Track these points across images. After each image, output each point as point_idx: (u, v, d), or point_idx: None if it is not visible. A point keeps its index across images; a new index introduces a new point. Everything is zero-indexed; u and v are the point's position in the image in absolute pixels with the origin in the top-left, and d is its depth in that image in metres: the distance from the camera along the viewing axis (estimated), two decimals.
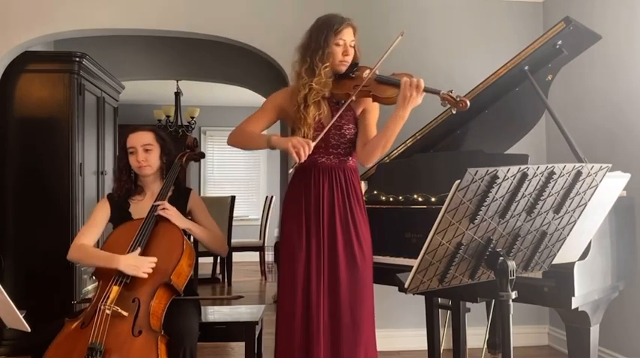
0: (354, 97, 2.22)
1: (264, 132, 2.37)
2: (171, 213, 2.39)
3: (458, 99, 2.08)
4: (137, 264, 2.22)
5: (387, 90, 2.22)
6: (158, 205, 2.38)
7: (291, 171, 2.26)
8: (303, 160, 2.13)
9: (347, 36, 2.26)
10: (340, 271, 2.23)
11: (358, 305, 2.23)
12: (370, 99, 2.28)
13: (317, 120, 2.26)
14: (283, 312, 2.29)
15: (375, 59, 2.27)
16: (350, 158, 2.35)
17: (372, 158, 2.30)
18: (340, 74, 2.30)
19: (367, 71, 2.25)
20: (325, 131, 2.21)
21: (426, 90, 2.13)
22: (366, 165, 2.37)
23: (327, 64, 2.24)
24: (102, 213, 2.51)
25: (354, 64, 2.31)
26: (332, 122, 2.22)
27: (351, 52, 2.29)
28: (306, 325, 2.22)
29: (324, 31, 2.25)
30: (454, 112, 2.14)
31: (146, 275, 2.21)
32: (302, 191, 2.29)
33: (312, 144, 2.14)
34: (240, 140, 2.35)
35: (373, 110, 2.36)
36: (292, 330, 2.23)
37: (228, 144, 2.37)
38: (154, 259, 2.25)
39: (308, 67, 2.26)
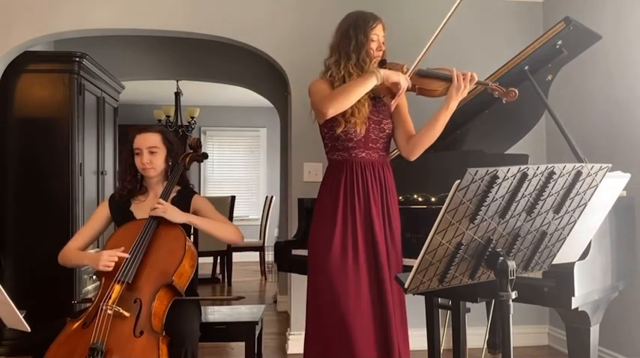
0: (408, 86, 2.25)
1: None
2: (164, 208, 2.35)
3: (507, 89, 2.20)
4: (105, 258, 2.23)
5: (432, 83, 2.28)
6: (154, 208, 2.36)
7: (394, 102, 2.27)
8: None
9: (379, 31, 2.30)
10: (383, 272, 2.19)
11: (401, 307, 2.25)
12: (408, 93, 2.33)
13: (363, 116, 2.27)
14: (329, 322, 2.15)
15: (426, 49, 2.33)
16: (386, 153, 2.36)
17: (419, 151, 2.33)
18: None
19: (404, 67, 2.30)
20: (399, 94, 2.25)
21: (477, 82, 2.23)
22: (412, 159, 2.35)
23: (374, 59, 2.28)
24: (98, 217, 2.53)
25: (383, 60, 2.34)
26: (394, 106, 2.30)
27: (383, 48, 2.32)
28: (365, 326, 2.14)
29: (361, 26, 2.27)
30: (504, 102, 2.25)
31: (109, 269, 2.21)
32: (341, 188, 2.24)
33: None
34: (343, 98, 2.16)
35: (405, 103, 2.40)
36: (348, 336, 2.12)
37: (330, 114, 2.16)
38: (116, 252, 2.24)
39: (356, 64, 2.26)
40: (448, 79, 2.24)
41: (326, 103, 2.16)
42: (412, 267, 1.46)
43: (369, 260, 2.20)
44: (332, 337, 2.13)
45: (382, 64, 2.32)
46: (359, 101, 2.21)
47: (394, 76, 2.21)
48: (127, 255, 2.24)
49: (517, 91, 2.19)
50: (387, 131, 2.33)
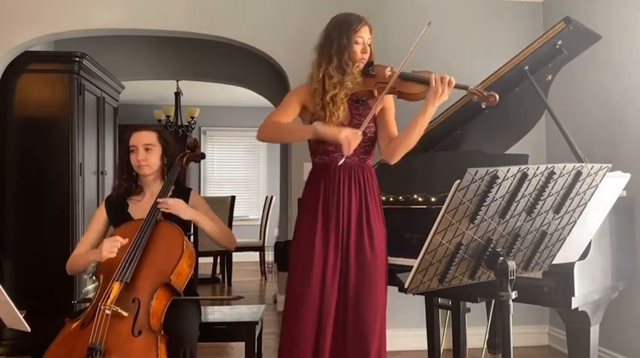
0: (376, 94, 2.22)
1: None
2: (172, 203, 2.39)
3: (487, 94, 2.11)
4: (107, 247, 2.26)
5: (412, 86, 2.22)
6: (159, 203, 2.39)
7: (341, 162, 2.21)
8: (350, 153, 2.15)
9: (365, 34, 2.27)
10: (350, 270, 2.21)
11: (365, 305, 2.21)
12: (391, 96, 2.30)
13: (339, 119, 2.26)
14: (294, 307, 2.23)
15: (376, 58, 2.28)
16: (368, 157, 2.34)
17: (397, 154, 2.30)
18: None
19: (388, 69, 2.25)
20: (364, 125, 2.19)
21: (456, 86, 2.15)
22: (391, 162, 2.32)
23: (357, 63, 2.25)
24: (98, 221, 2.54)
25: (370, 63, 2.31)
26: (370, 114, 2.22)
27: (369, 50, 2.29)
28: (317, 322, 2.20)
29: (344, 29, 2.26)
30: (484, 107, 2.18)
31: (113, 254, 2.24)
32: (321, 189, 2.27)
33: (360, 136, 2.15)
34: (275, 134, 2.30)
35: (391, 107, 2.37)
36: (302, 325, 2.18)
37: (260, 139, 2.30)
38: (118, 238, 2.27)
39: (337, 66, 2.25)
40: (428, 83, 2.17)
41: (262, 129, 2.28)
42: (412, 266, 1.46)
43: (339, 259, 2.22)
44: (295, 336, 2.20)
45: (369, 65, 2.29)
46: (334, 105, 2.22)
47: (333, 134, 2.14)
48: (125, 240, 2.27)
49: (497, 96, 2.09)
50: (369, 134, 2.29)
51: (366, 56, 2.28)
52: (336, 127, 2.19)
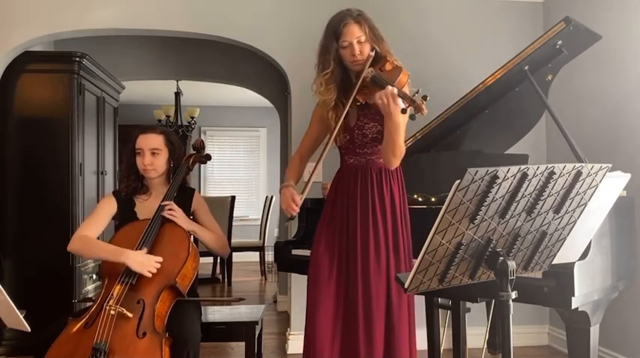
0: (355, 97, 2.17)
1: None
2: (177, 215, 2.39)
3: (417, 102, 1.96)
4: (144, 261, 2.21)
5: (374, 92, 2.08)
6: (165, 205, 2.38)
7: (287, 224, 2.24)
8: (296, 213, 2.18)
9: (349, 36, 2.15)
10: (370, 273, 2.17)
11: (383, 306, 2.18)
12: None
13: (347, 123, 2.25)
14: (307, 318, 2.22)
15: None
16: (378, 156, 2.26)
17: (387, 162, 2.22)
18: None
19: (369, 70, 2.15)
20: (331, 138, 2.17)
21: (398, 94, 2.00)
22: (390, 168, 2.25)
23: (353, 65, 2.21)
24: (107, 208, 2.48)
25: (377, 56, 2.18)
26: (337, 126, 2.17)
27: (359, 48, 2.16)
28: (344, 324, 2.19)
29: (330, 35, 2.20)
30: (413, 115, 1.99)
31: (150, 275, 2.20)
32: (332, 193, 2.31)
33: (300, 198, 2.17)
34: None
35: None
36: (328, 327, 2.17)
37: None
38: (160, 259, 2.24)
39: (329, 78, 2.23)
40: (383, 87, 2.04)
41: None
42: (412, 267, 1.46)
43: (344, 263, 2.22)
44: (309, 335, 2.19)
45: (377, 60, 2.17)
46: (335, 114, 2.21)
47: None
48: (161, 259, 2.25)
49: (425, 110, 1.95)
50: (370, 135, 2.23)
51: (360, 56, 2.17)
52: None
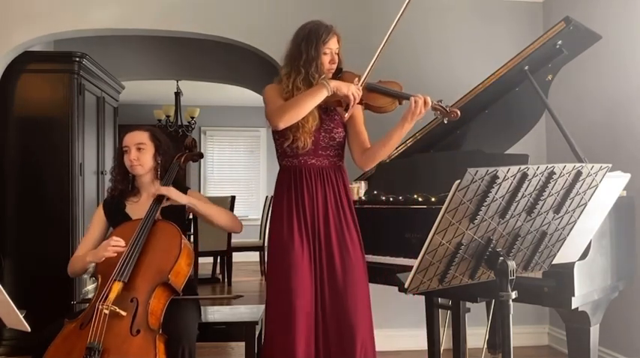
0: (343, 105, 2.25)
1: None
2: (167, 189, 2.41)
3: (448, 109, 2.19)
4: (100, 249, 2.28)
5: (378, 99, 2.28)
6: (156, 197, 2.39)
7: (347, 116, 2.26)
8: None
9: (333, 45, 2.30)
10: (337, 271, 2.24)
11: (353, 304, 2.23)
12: (360, 106, 2.32)
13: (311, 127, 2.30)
14: (276, 312, 2.25)
15: (374, 60, 2.29)
16: (339, 160, 2.39)
17: (372, 163, 2.38)
18: None
19: (356, 79, 2.27)
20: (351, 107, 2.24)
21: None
22: (365, 169, 2.41)
23: (324, 74, 2.27)
24: (96, 221, 2.54)
25: (339, 70, 2.36)
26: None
27: (336, 59, 2.33)
28: (306, 324, 2.22)
29: (312, 41, 2.28)
30: (446, 122, 2.25)
31: (112, 255, 2.23)
32: (292, 192, 2.32)
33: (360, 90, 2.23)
34: (293, 111, 2.20)
35: (360, 114, 2.41)
36: (289, 328, 2.20)
37: (281, 125, 2.22)
38: (118, 239, 2.27)
39: (304, 79, 2.28)
40: (395, 97, 2.25)
41: (277, 117, 2.22)
42: (412, 266, 1.46)
43: (314, 261, 2.26)
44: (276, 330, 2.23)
45: (338, 72, 2.34)
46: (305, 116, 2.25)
47: (344, 88, 2.20)
48: (121, 241, 2.27)
49: (459, 112, 2.18)
50: (337, 139, 2.36)
51: (334, 66, 2.32)
52: (343, 83, 2.23)
